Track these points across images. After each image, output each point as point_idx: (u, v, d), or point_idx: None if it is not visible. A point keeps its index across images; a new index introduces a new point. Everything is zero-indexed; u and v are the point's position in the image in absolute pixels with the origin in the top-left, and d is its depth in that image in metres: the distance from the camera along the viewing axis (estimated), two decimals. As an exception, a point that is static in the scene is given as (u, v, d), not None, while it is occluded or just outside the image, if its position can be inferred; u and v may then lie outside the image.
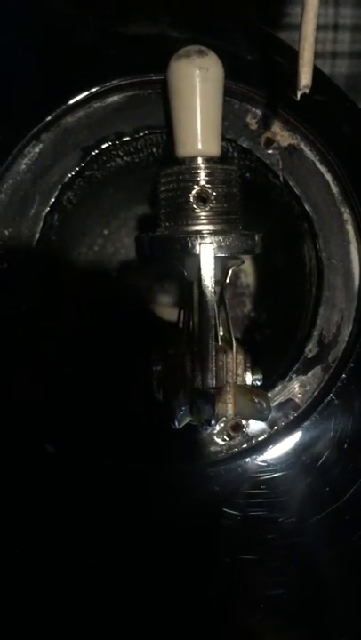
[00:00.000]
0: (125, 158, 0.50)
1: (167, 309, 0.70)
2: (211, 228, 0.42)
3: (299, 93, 0.38)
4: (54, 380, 0.47)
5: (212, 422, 0.39)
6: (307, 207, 0.47)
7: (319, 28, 0.76)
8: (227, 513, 0.46)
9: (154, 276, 0.70)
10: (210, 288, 0.40)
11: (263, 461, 0.46)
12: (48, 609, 0.47)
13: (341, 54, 0.78)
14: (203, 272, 0.40)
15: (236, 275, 0.69)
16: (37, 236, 0.46)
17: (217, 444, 0.46)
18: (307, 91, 0.38)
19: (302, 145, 0.47)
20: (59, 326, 0.52)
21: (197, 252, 0.40)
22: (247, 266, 0.68)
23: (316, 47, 0.78)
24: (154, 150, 0.50)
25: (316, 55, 0.77)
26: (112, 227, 0.68)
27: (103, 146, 0.47)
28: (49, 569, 0.47)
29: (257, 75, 0.47)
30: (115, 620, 0.46)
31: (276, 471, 0.46)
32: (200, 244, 0.40)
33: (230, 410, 0.40)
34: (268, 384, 0.47)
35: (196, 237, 0.40)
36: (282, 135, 0.47)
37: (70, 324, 0.60)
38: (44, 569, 0.47)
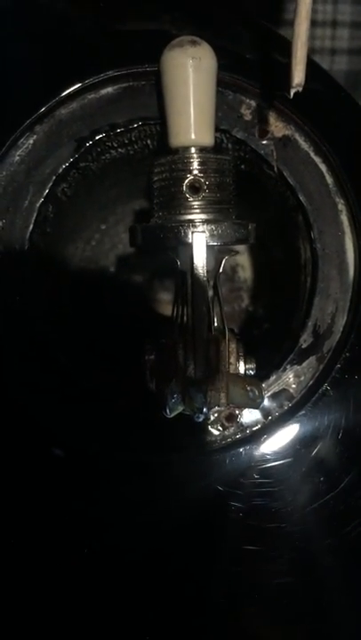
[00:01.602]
0: (120, 150, 0.50)
1: (165, 305, 0.70)
2: (203, 217, 0.42)
3: (292, 91, 0.38)
4: (50, 373, 0.47)
5: (205, 411, 0.38)
6: (301, 198, 0.47)
7: (318, 24, 0.76)
8: (222, 502, 0.46)
9: (152, 272, 0.70)
10: (202, 277, 0.40)
11: (258, 451, 0.46)
12: (50, 607, 0.47)
13: (340, 51, 0.78)
14: (195, 261, 0.40)
15: (233, 269, 0.69)
16: (31, 227, 0.46)
17: (211, 434, 0.46)
18: (300, 89, 0.38)
19: (296, 136, 0.47)
20: (55, 319, 0.52)
21: (190, 241, 0.40)
22: (244, 260, 0.68)
23: (315, 43, 0.78)
24: (148, 142, 0.50)
25: (315, 51, 0.77)
26: (109, 221, 0.68)
27: (97, 137, 0.47)
28: (47, 563, 0.47)
29: (251, 66, 0.47)
30: (115, 612, 0.46)
31: (270, 461, 0.46)
32: (192, 232, 0.40)
33: (223, 398, 0.40)
34: (263, 374, 0.46)
35: (189, 226, 0.40)
36: (276, 126, 0.47)
37: (67, 318, 0.60)
38: (42, 564, 0.47)
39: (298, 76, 0.37)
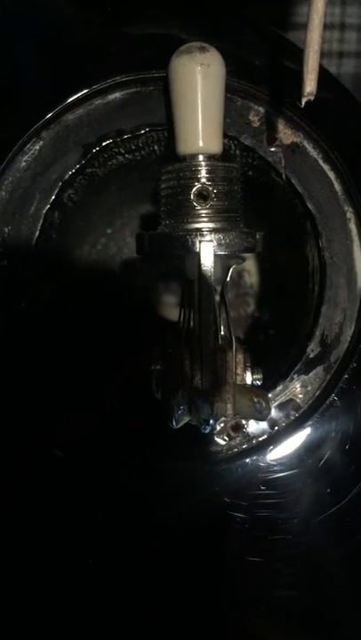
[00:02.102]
0: (127, 156, 0.50)
1: (170, 309, 0.70)
2: (211, 225, 0.41)
3: (303, 100, 0.37)
4: (56, 379, 0.47)
5: (211, 422, 0.38)
6: (310, 206, 0.47)
7: (326, 27, 0.76)
8: (227, 513, 0.45)
9: (157, 276, 0.70)
10: (210, 286, 0.40)
11: (264, 462, 0.45)
12: (50, 609, 0.47)
13: (348, 54, 0.77)
14: (203, 270, 0.40)
15: (239, 274, 0.68)
16: (37, 233, 0.46)
17: (217, 444, 0.46)
18: (312, 98, 0.37)
19: (305, 143, 0.47)
20: (60, 324, 0.52)
21: (197, 250, 0.40)
22: (251, 265, 0.68)
23: (323, 47, 0.78)
24: (155, 148, 0.50)
25: (323, 55, 0.76)
26: (115, 226, 0.68)
27: (104, 143, 0.47)
28: (49, 569, 0.47)
29: (260, 72, 0.47)
30: (118, 621, 0.46)
31: (277, 472, 0.45)
32: (200, 241, 0.40)
33: (229, 409, 0.40)
34: (270, 384, 0.46)
35: (196, 235, 0.40)
36: (285, 133, 0.47)
37: (73, 323, 0.60)
38: (44, 569, 0.47)
39: (309, 85, 0.37)
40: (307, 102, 0.37)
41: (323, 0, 0.36)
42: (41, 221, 0.46)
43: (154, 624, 0.47)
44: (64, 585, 0.47)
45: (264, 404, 0.39)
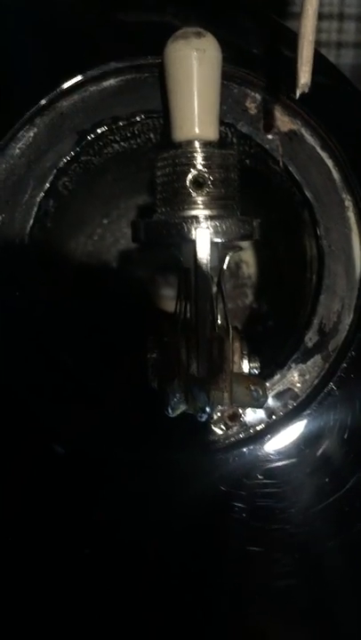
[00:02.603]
0: (122, 144, 0.49)
1: (169, 302, 0.69)
2: (207, 212, 0.41)
3: (298, 92, 0.37)
4: (51, 370, 0.46)
5: (208, 410, 0.38)
6: (307, 194, 0.46)
7: (324, 17, 0.75)
8: (225, 503, 0.45)
9: (155, 267, 0.69)
10: (206, 274, 0.39)
11: (261, 451, 0.45)
12: (51, 606, 0.47)
13: (346, 44, 0.77)
14: (199, 258, 0.39)
15: (237, 265, 0.68)
16: (31, 221, 0.46)
17: (214, 433, 0.45)
18: (306, 89, 0.37)
19: (303, 130, 0.46)
20: (56, 316, 0.51)
21: (193, 238, 0.39)
22: (249, 256, 0.68)
23: (321, 37, 0.77)
24: (151, 136, 0.49)
25: (321, 45, 0.76)
26: (112, 216, 0.67)
27: (99, 130, 0.46)
28: (48, 563, 0.46)
29: (257, 58, 0.46)
30: (118, 614, 0.46)
31: (274, 461, 0.45)
32: (196, 228, 0.39)
33: (226, 398, 0.39)
34: (268, 373, 0.46)
35: (192, 222, 0.39)
36: (282, 120, 0.46)
37: (69, 314, 0.60)
38: (44, 564, 0.46)
39: (304, 76, 0.36)
40: (301, 94, 0.37)
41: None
42: (35, 209, 0.46)
43: (152, 613, 0.47)
44: (64, 579, 0.46)
45: (261, 392, 0.38)
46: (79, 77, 0.45)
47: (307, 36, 0.36)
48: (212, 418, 0.45)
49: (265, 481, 0.45)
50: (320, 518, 0.45)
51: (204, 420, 0.38)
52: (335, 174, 0.46)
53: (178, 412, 0.39)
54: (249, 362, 0.42)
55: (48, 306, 0.49)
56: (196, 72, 0.40)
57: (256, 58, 0.46)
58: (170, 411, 0.38)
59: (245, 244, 0.65)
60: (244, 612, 0.47)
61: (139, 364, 0.44)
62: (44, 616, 0.46)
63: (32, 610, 0.46)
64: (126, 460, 0.46)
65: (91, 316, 0.65)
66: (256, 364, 0.42)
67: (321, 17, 0.75)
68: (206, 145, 0.42)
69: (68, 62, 0.45)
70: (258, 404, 0.38)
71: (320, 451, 0.45)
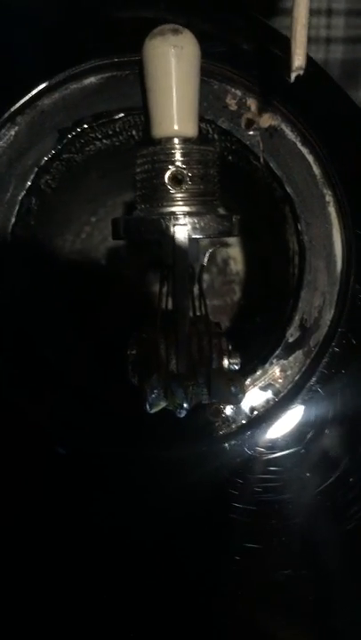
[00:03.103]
0: (105, 141, 0.49)
1: (157, 298, 0.69)
2: (186, 209, 0.41)
3: (293, 75, 0.37)
4: (37, 369, 0.46)
5: (186, 406, 0.38)
6: (288, 189, 0.46)
7: (312, 13, 0.75)
8: (206, 498, 0.45)
9: (143, 264, 0.69)
10: (185, 270, 0.39)
11: (244, 447, 0.45)
12: (53, 603, 0.47)
13: (336, 40, 0.77)
14: (177, 254, 0.39)
15: (225, 262, 0.68)
16: (13, 220, 0.46)
17: (196, 429, 0.45)
18: (301, 72, 0.37)
19: (283, 126, 0.46)
20: (44, 314, 0.51)
21: (172, 234, 0.39)
22: (236, 253, 0.68)
23: (310, 33, 0.77)
24: (133, 133, 0.49)
25: (310, 41, 0.76)
26: (99, 214, 0.67)
27: (80, 128, 0.46)
28: (47, 561, 0.47)
29: (237, 54, 0.46)
30: (116, 611, 0.46)
31: (257, 456, 0.45)
32: (174, 225, 0.39)
33: (204, 394, 0.39)
34: (249, 368, 0.46)
35: (170, 219, 0.40)
36: (262, 116, 0.46)
37: (57, 311, 0.60)
38: (42, 563, 0.47)
39: (298, 59, 0.36)
40: (296, 77, 0.36)
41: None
42: (17, 207, 0.46)
43: (152, 607, 0.47)
44: (63, 578, 0.47)
45: (239, 388, 0.38)
46: (60, 75, 0.45)
47: (300, 20, 0.36)
48: (195, 414, 0.45)
49: (248, 475, 0.45)
50: (305, 513, 0.45)
51: (182, 416, 0.39)
52: (316, 169, 0.46)
53: (157, 408, 0.39)
54: (229, 358, 0.42)
55: (35, 304, 0.49)
56: (174, 69, 0.40)
57: (236, 54, 0.46)
58: (148, 407, 0.38)
59: (232, 240, 0.65)
60: (242, 608, 0.47)
61: (119, 359, 0.44)
62: (44, 614, 0.47)
63: (32, 606, 0.47)
64: (109, 457, 0.46)
65: (80, 315, 0.65)
66: (236, 360, 0.42)
67: (309, 13, 0.74)
68: (185, 141, 0.42)
69: (48, 60, 0.46)
70: (236, 400, 0.39)
71: (302, 445, 0.45)
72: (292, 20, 0.36)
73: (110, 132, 0.48)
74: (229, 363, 0.42)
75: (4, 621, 0.47)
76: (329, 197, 0.46)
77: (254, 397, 0.46)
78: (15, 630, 0.47)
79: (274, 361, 0.46)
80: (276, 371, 0.46)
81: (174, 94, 0.41)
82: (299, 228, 0.46)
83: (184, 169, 0.41)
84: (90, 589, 0.46)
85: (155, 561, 0.47)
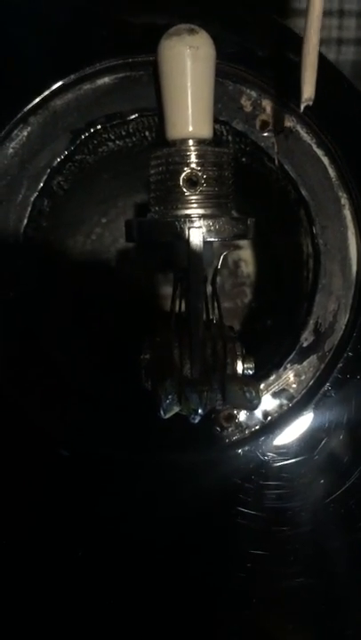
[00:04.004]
0: (117, 142, 0.49)
1: (168, 300, 0.69)
2: (200, 211, 0.40)
3: (302, 106, 0.37)
4: (48, 371, 0.46)
5: (200, 412, 0.37)
6: (303, 192, 0.46)
7: (325, 14, 0.74)
8: (219, 505, 0.45)
9: (154, 266, 0.69)
10: (200, 274, 0.39)
11: (257, 453, 0.45)
12: (53, 605, 0.47)
13: (347, 41, 0.76)
14: (192, 257, 0.39)
15: (236, 264, 0.67)
16: (25, 221, 0.45)
17: (209, 434, 0.45)
18: (310, 103, 0.37)
19: (298, 127, 0.46)
20: (52, 315, 0.51)
21: (186, 237, 0.39)
22: (248, 255, 0.67)
23: (322, 34, 0.76)
24: (146, 134, 0.49)
25: (322, 42, 0.75)
26: (110, 215, 0.67)
27: (93, 129, 0.46)
28: (50, 564, 0.46)
29: (252, 55, 0.46)
30: (120, 613, 0.46)
31: (270, 462, 0.45)
32: (189, 228, 0.39)
33: (219, 399, 0.39)
34: (263, 373, 0.45)
35: (185, 221, 0.39)
36: (277, 118, 0.46)
37: (66, 314, 0.60)
38: (45, 565, 0.46)
39: (307, 90, 0.37)
40: (306, 107, 0.37)
41: (318, 15, 0.36)
42: (29, 209, 0.45)
43: (157, 614, 0.46)
44: (66, 580, 0.46)
45: (254, 394, 0.38)
46: (73, 76, 0.45)
47: (311, 54, 0.36)
48: (210, 419, 0.45)
49: (261, 482, 0.45)
50: (317, 519, 0.45)
51: (196, 421, 0.38)
52: (331, 172, 0.45)
53: (171, 413, 0.39)
54: (243, 362, 0.41)
55: (45, 306, 0.49)
56: (189, 69, 0.40)
57: (252, 55, 0.46)
58: (163, 412, 0.38)
59: (244, 242, 0.64)
60: (248, 613, 0.47)
61: (136, 366, 0.43)
62: (47, 615, 0.46)
63: (35, 607, 0.46)
64: (119, 462, 0.45)
65: (88, 316, 0.65)
66: (250, 365, 0.42)
67: (322, 15, 0.74)
68: (200, 143, 0.41)
69: (61, 61, 0.45)
70: (251, 405, 0.38)
71: (316, 451, 0.44)
72: (302, 53, 0.36)
73: (123, 134, 0.48)
74: (244, 368, 0.41)
75: (5, 622, 0.47)
76: (344, 200, 0.46)
77: (268, 403, 0.45)
78: (18, 632, 0.47)
79: (288, 366, 0.45)
80: (290, 375, 0.45)
81: (189, 95, 0.40)
82: (314, 231, 0.45)
83: (199, 171, 0.41)
84: (97, 593, 0.46)
85: (164, 565, 0.46)
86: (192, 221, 0.39)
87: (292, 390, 0.45)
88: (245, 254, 0.67)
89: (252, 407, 0.39)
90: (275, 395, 0.45)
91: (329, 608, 0.46)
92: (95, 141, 0.47)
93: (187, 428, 0.44)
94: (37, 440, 0.46)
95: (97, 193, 0.60)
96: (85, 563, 0.46)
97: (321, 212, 0.46)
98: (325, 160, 0.46)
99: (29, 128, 0.45)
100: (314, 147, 0.46)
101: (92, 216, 0.65)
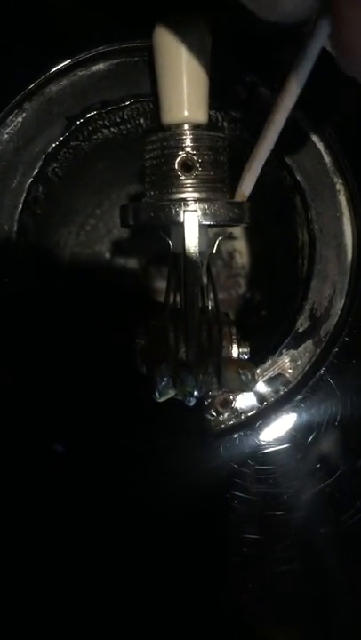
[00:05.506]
0: (112, 129, 0.49)
1: (161, 292, 0.69)
2: (196, 195, 0.40)
3: (236, 198, 0.39)
4: (41, 361, 0.46)
5: (196, 394, 0.37)
6: (298, 178, 0.46)
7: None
8: (216, 490, 0.45)
9: (148, 258, 0.69)
10: (195, 257, 0.39)
11: (252, 438, 0.45)
12: (51, 599, 0.46)
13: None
14: (187, 241, 0.39)
15: (230, 255, 0.67)
16: (20, 207, 0.45)
17: (205, 419, 0.45)
18: (243, 199, 0.39)
19: (293, 113, 0.46)
20: (46, 304, 0.51)
21: (182, 220, 0.39)
22: (242, 246, 0.67)
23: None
24: (141, 121, 0.49)
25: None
26: (104, 206, 0.67)
27: (88, 115, 0.46)
28: (48, 553, 0.46)
29: (248, 41, 0.46)
30: (114, 605, 0.46)
31: (265, 447, 0.45)
32: (184, 211, 0.39)
33: (214, 381, 0.39)
34: (259, 359, 0.45)
35: (181, 205, 0.39)
36: (273, 103, 0.46)
37: (60, 304, 0.59)
38: (43, 554, 0.46)
39: (246, 187, 0.39)
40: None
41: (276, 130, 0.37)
42: (24, 195, 0.45)
43: (150, 602, 0.46)
44: (62, 571, 0.46)
45: (250, 376, 0.38)
46: (68, 61, 0.45)
47: (258, 160, 0.38)
48: (205, 403, 0.45)
49: (257, 467, 0.45)
50: (313, 504, 0.45)
51: (192, 404, 0.38)
52: (326, 157, 0.45)
53: (166, 396, 0.38)
54: (238, 347, 0.41)
55: (38, 295, 0.49)
56: (185, 54, 0.40)
57: (247, 40, 0.45)
58: (157, 395, 0.38)
59: (238, 232, 0.65)
60: (243, 597, 0.47)
61: (130, 353, 0.43)
62: (44, 607, 0.46)
63: (33, 601, 0.46)
64: (115, 448, 0.45)
65: (83, 307, 0.65)
66: (246, 349, 0.42)
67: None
68: (195, 127, 0.41)
69: (56, 46, 0.45)
70: (247, 388, 0.38)
71: (312, 436, 0.45)
72: (250, 158, 0.38)
73: (118, 120, 0.48)
74: (239, 352, 0.41)
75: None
76: (339, 186, 0.46)
77: (264, 388, 0.45)
78: (16, 631, 0.46)
79: (284, 351, 0.45)
80: (285, 361, 0.45)
81: (185, 80, 0.40)
82: (309, 216, 0.46)
83: (194, 155, 0.41)
84: (91, 579, 0.46)
85: (159, 550, 0.46)
86: (187, 205, 0.39)
87: (288, 375, 0.45)
88: (240, 245, 0.67)
89: (247, 389, 0.39)
90: (270, 380, 0.45)
91: (324, 592, 0.46)
92: (90, 128, 0.47)
93: (183, 414, 0.44)
94: (35, 429, 0.45)
95: (91, 183, 0.60)
96: (77, 551, 0.46)
97: (316, 198, 0.46)
98: (320, 146, 0.46)
99: (24, 114, 0.45)
100: (309, 132, 0.45)
101: (87, 206, 0.65)
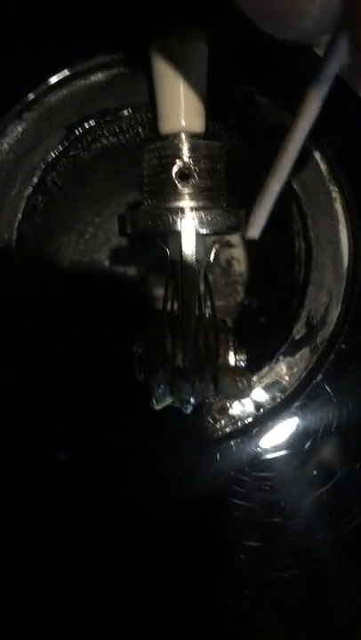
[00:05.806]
0: (111, 139, 0.49)
1: (160, 300, 0.69)
2: (193, 204, 0.41)
3: (246, 236, 0.37)
4: (42, 367, 0.46)
5: (192, 401, 0.38)
6: (295, 186, 0.46)
7: None
8: (213, 496, 0.45)
9: (147, 266, 0.69)
10: (192, 265, 0.39)
11: (249, 444, 0.45)
12: (51, 600, 0.46)
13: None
14: (184, 249, 0.39)
15: (228, 262, 0.68)
16: (19, 216, 0.46)
17: (202, 426, 0.45)
18: (253, 239, 0.37)
19: (290, 122, 0.46)
20: (45, 312, 0.51)
21: (179, 229, 0.39)
22: (240, 253, 0.67)
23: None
24: (140, 130, 0.49)
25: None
26: (104, 214, 0.67)
27: (87, 124, 0.46)
28: (46, 556, 0.46)
29: (244, 51, 0.46)
30: (113, 609, 0.46)
31: (262, 454, 0.45)
32: (181, 219, 0.39)
33: (211, 389, 0.39)
34: (255, 366, 0.46)
35: (178, 213, 0.39)
36: (269, 112, 0.46)
37: (59, 312, 0.60)
38: (44, 559, 0.46)
39: (255, 229, 0.36)
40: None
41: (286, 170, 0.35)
42: (23, 204, 0.46)
43: (151, 606, 0.46)
44: (61, 573, 0.46)
45: (246, 383, 0.38)
46: (67, 72, 0.45)
47: (270, 197, 0.35)
48: (202, 410, 0.45)
49: (254, 474, 0.45)
50: (310, 510, 0.45)
51: (188, 411, 0.38)
52: (322, 166, 0.46)
53: (163, 404, 0.39)
54: (235, 354, 0.42)
55: (38, 303, 0.49)
56: (182, 64, 0.40)
57: (244, 50, 0.46)
58: (155, 402, 0.38)
59: (236, 240, 0.65)
60: (242, 604, 0.47)
61: (128, 360, 0.44)
62: (44, 607, 0.46)
63: (32, 601, 0.46)
64: (113, 454, 0.46)
65: (82, 313, 0.65)
66: (243, 357, 0.42)
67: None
68: (192, 137, 0.42)
69: (55, 56, 0.45)
70: (243, 394, 0.38)
71: (309, 443, 0.45)
72: (261, 195, 0.36)
73: (117, 130, 0.48)
74: (236, 359, 0.41)
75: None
76: (335, 194, 0.46)
77: (260, 395, 0.45)
78: (17, 631, 0.47)
79: (280, 358, 0.46)
80: (282, 368, 0.46)
81: (182, 90, 0.41)
82: (305, 224, 0.46)
83: (191, 164, 0.41)
84: (91, 579, 0.46)
85: (157, 557, 0.46)
86: (184, 213, 0.39)
87: (284, 382, 0.46)
88: (238, 253, 0.67)
89: (243, 396, 0.39)
90: (267, 387, 0.46)
91: (323, 598, 0.46)
92: (89, 137, 0.48)
93: (180, 421, 0.44)
94: (34, 432, 0.46)
95: (90, 192, 0.60)
96: (81, 551, 0.46)
97: (312, 206, 0.46)
98: (317, 154, 0.46)
99: (24, 123, 0.45)
100: (305, 141, 0.46)
101: (86, 215, 0.66)
